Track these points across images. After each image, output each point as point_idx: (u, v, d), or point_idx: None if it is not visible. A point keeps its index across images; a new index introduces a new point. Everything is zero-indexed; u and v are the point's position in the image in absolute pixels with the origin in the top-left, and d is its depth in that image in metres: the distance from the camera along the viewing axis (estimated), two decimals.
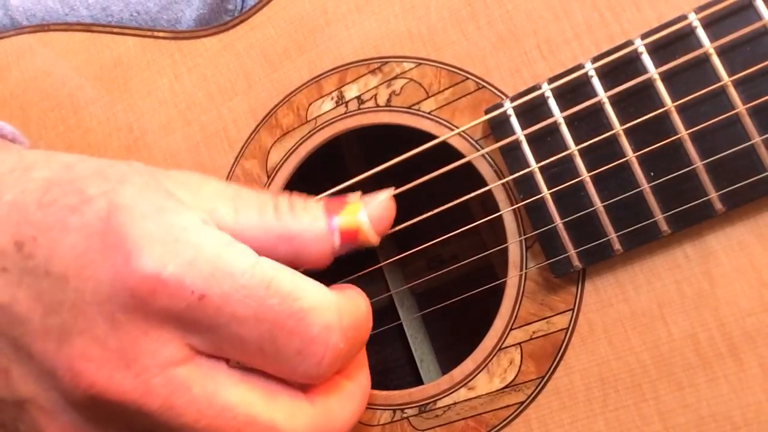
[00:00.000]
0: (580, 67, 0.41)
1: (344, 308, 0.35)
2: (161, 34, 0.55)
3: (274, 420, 0.33)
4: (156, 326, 0.32)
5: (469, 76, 0.46)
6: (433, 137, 0.46)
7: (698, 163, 0.39)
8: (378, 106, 0.48)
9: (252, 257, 0.33)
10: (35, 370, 0.34)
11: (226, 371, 0.34)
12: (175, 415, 0.32)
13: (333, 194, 0.45)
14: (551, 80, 0.42)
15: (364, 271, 0.51)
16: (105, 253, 0.32)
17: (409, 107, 0.47)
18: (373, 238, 0.38)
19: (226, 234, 0.34)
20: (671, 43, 0.40)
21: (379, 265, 0.53)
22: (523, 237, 0.45)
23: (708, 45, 0.39)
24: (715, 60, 0.39)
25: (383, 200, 0.39)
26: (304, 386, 0.36)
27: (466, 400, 0.46)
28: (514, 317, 0.45)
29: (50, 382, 0.33)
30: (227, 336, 0.33)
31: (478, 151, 0.45)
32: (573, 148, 0.41)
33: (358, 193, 0.39)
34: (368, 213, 0.38)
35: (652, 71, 0.40)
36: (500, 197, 0.45)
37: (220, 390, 0.33)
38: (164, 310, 0.32)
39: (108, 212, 0.33)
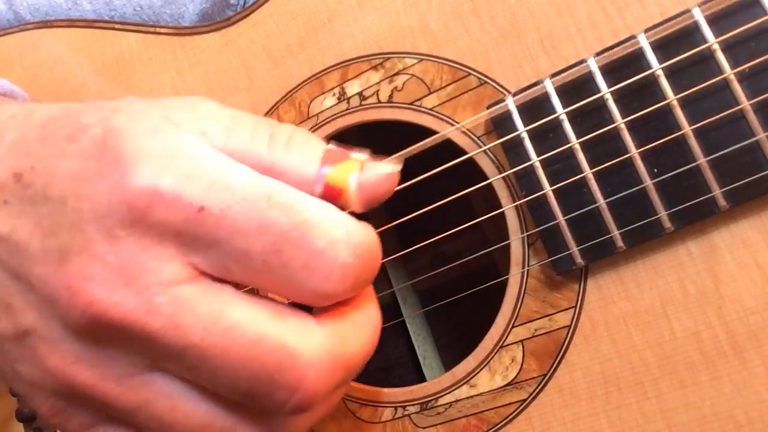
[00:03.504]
0: (582, 62, 0.41)
1: (352, 227, 0.33)
2: (163, 30, 0.55)
3: (284, 339, 0.32)
4: (156, 242, 0.31)
5: (471, 71, 0.45)
6: (435, 133, 0.46)
7: (702, 160, 0.39)
8: (380, 102, 0.48)
9: (251, 173, 0.32)
10: (36, 298, 0.33)
11: (233, 291, 0.33)
12: (180, 334, 0.31)
13: None
14: (554, 76, 0.42)
15: None
16: (101, 172, 0.31)
17: (411, 103, 0.47)
18: (355, 206, 0.35)
19: (222, 153, 0.33)
20: (675, 38, 0.39)
21: (381, 262, 0.53)
22: (525, 234, 0.44)
23: (712, 40, 0.38)
24: (720, 55, 0.38)
25: (382, 173, 0.36)
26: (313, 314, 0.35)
27: (467, 398, 0.46)
28: (516, 314, 0.44)
29: (51, 309, 0.32)
30: (230, 251, 0.31)
31: (481, 147, 0.45)
32: (575, 144, 0.41)
33: (366, 153, 0.37)
34: (360, 179, 0.35)
35: (656, 67, 0.39)
36: (503, 194, 0.45)
37: (226, 308, 0.32)
38: (163, 224, 0.31)
39: (104, 136, 0.32)
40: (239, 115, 0.35)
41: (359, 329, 0.35)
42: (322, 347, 0.32)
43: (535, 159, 0.42)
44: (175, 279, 0.31)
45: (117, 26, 0.56)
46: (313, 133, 0.36)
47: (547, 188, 0.42)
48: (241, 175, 0.32)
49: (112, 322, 0.31)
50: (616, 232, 0.41)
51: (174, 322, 0.31)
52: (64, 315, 0.32)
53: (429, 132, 0.46)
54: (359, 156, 0.36)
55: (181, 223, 0.31)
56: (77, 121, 0.33)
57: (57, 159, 0.33)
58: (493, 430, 0.45)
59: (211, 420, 0.34)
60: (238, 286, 0.33)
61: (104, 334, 0.32)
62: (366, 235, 0.34)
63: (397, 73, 0.47)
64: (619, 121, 0.40)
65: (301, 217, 0.32)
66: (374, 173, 0.35)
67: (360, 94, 0.49)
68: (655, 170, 0.40)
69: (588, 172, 0.41)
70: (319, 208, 0.33)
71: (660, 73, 0.39)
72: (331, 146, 0.36)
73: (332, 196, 0.35)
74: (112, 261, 0.31)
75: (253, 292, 0.34)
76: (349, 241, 0.32)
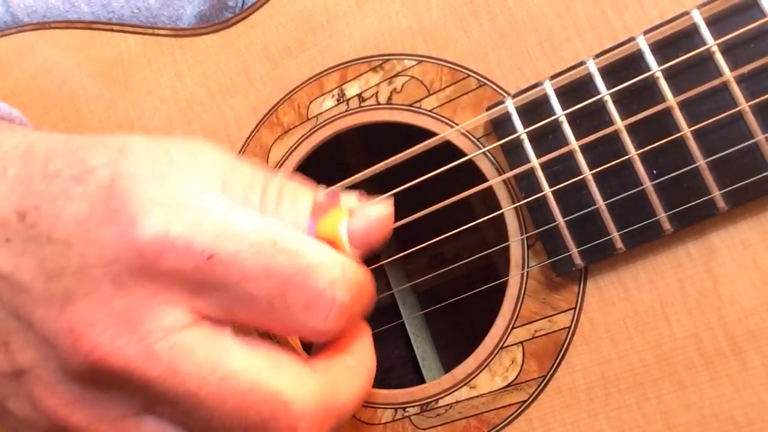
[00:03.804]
0: (582, 64, 0.41)
1: (347, 265, 0.34)
2: (162, 32, 0.55)
3: (279, 387, 0.32)
4: (163, 288, 0.32)
5: (471, 73, 0.45)
6: (434, 135, 0.46)
7: (701, 161, 0.39)
8: (379, 103, 0.48)
9: (257, 218, 0.33)
10: (35, 339, 0.33)
11: (231, 337, 0.33)
12: (177, 381, 0.31)
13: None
14: (553, 77, 0.42)
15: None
16: (109, 218, 0.32)
17: (411, 105, 0.47)
18: (350, 254, 0.36)
19: (228, 199, 0.34)
20: (674, 40, 0.39)
21: (380, 263, 0.53)
22: (525, 235, 0.44)
23: (711, 42, 0.38)
24: (719, 57, 0.38)
25: (373, 218, 0.36)
26: (309, 357, 0.36)
27: (467, 399, 0.46)
28: (515, 316, 0.44)
29: (50, 350, 0.33)
30: (237, 295, 0.32)
31: (480, 149, 0.45)
32: (575, 145, 0.41)
33: (355, 196, 0.37)
34: (350, 228, 0.36)
35: (655, 69, 0.39)
36: (502, 196, 0.45)
37: (224, 356, 0.32)
38: (172, 271, 0.31)
39: (112, 180, 0.32)
40: (235, 167, 0.35)
41: (352, 377, 0.36)
42: (314, 396, 0.33)
43: (534, 161, 0.42)
44: (177, 325, 0.32)
45: (115, 28, 0.56)
46: (301, 185, 0.36)
47: (547, 190, 0.42)
48: (247, 220, 0.33)
49: (113, 368, 0.31)
50: (615, 234, 0.41)
51: (172, 370, 0.31)
52: (65, 358, 0.32)
53: (428, 134, 0.46)
54: (348, 200, 0.36)
55: (189, 271, 0.31)
56: (83, 161, 0.34)
57: (63, 200, 0.33)
58: (493, 431, 0.45)
59: None
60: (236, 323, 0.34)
61: (102, 379, 0.32)
62: (358, 269, 0.35)
63: (396, 75, 0.47)
64: (618, 122, 0.40)
65: (305, 261, 0.33)
66: (364, 220, 0.36)
67: (359, 95, 0.49)
68: (655, 172, 0.40)
69: (587, 173, 0.41)
70: (319, 248, 0.34)
71: (659, 74, 0.39)
72: (321, 193, 0.36)
73: None
74: (117, 307, 0.31)
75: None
76: (345, 280, 0.34)
